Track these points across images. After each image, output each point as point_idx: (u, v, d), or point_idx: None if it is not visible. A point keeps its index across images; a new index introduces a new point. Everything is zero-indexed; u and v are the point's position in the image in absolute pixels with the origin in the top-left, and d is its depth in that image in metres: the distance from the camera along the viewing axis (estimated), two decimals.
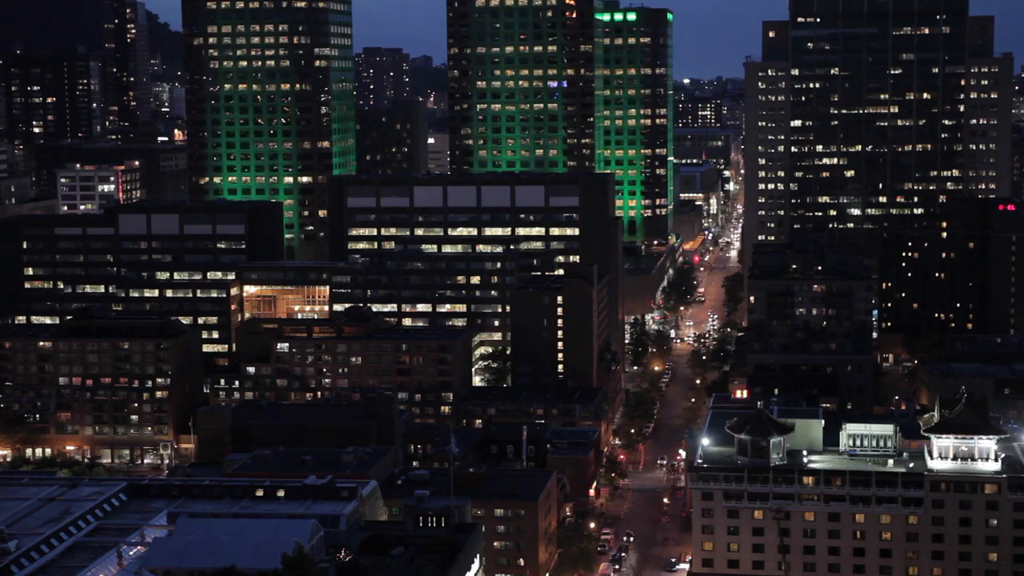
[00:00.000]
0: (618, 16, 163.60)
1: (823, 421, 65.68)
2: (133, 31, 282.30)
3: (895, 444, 63.87)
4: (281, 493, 58.78)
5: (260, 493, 59.11)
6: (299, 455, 67.58)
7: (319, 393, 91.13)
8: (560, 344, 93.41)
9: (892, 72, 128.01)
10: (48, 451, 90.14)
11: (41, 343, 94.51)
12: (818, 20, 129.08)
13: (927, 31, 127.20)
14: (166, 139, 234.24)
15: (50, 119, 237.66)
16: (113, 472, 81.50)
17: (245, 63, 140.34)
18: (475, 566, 54.15)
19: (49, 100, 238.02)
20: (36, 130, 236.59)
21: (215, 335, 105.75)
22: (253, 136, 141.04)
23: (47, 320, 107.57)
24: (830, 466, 62.35)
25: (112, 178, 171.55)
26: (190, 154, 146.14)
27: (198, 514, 55.62)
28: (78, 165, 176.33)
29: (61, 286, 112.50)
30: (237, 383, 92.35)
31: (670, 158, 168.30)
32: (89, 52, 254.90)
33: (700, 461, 63.58)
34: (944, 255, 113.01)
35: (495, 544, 62.88)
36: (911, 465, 62.56)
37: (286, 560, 48.53)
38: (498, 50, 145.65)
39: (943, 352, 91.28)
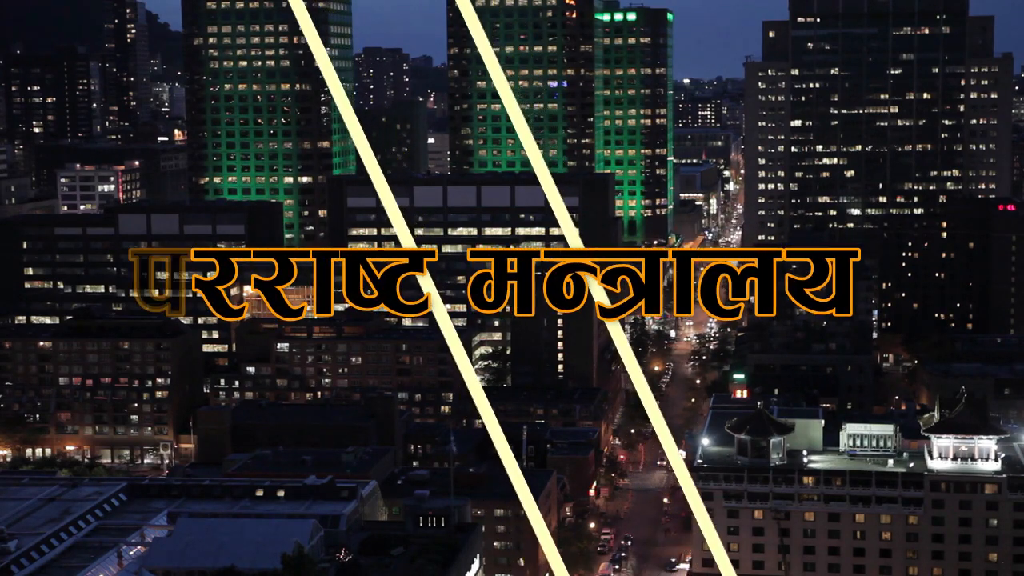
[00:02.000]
0: (618, 16, 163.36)
1: (823, 421, 65.68)
2: (133, 31, 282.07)
3: (895, 444, 63.84)
4: (281, 493, 58.88)
5: (260, 493, 59.23)
6: (299, 455, 67.66)
7: (319, 393, 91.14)
8: (560, 344, 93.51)
9: (892, 72, 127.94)
10: (48, 451, 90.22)
11: (41, 343, 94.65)
12: (818, 20, 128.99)
13: (927, 31, 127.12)
14: (166, 139, 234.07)
15: (50, 119, 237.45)
16: (113, 472, 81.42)
17: (245, 63, 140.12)
18: (475, 566, 54.20)
19: (49, 100, 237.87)
20: (36, 130, 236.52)
21: (215, 335, 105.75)
22: (253, 136, 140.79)
23: (47, 320, 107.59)
24: (830, 466, 62.40)
25: (112, 178, 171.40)
26: (190, 154, 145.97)
27: (198, 514, 55.73)
28: (78, 165, 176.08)
29: (61, 286, 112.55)
30: (237, 383, 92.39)
31: (670, 158, 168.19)
32: (89, 52, 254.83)
33: (700, 461, 63.61)
34: (944, 255, 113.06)
35: (495, 544, 62.92)
36: (911, 465, 62.60)
37: (286, 560, 48.56)
38: (498, 50, 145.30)
39: (943, 352, 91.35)
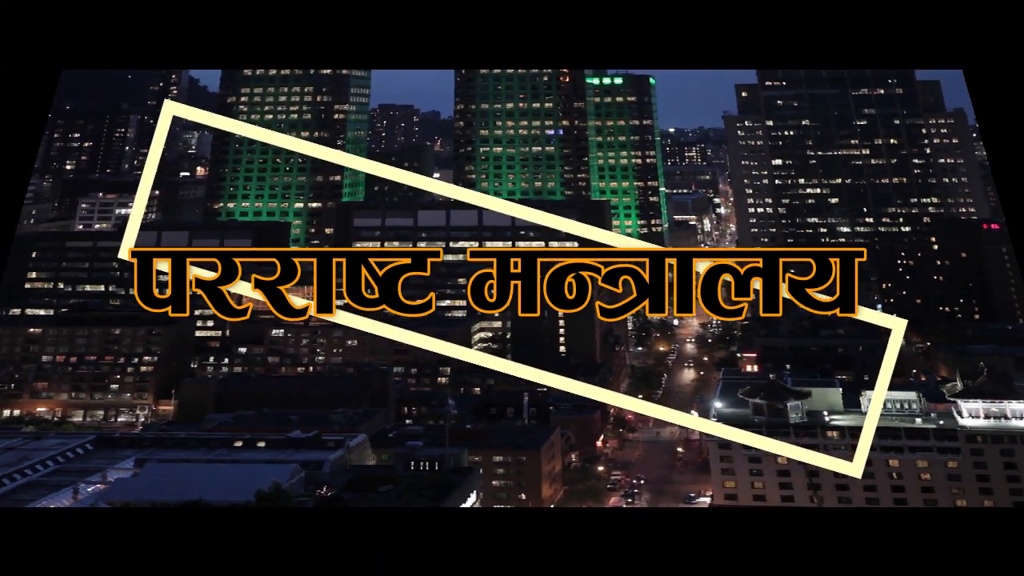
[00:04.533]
0: (606, 80, 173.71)
1: (840, 389, 58.72)
2: (175, 91, 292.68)
3: (920, 407, 56.36)
4: (262, 444, 50.47)
5: (239, 444, 50.74)
6: (285, 415, 59.03)
7: (311, 368, 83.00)
8: (561, 332, 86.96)
9: (858, 123, 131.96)
10: (16, 412, 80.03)
11: (32, 329, 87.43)
12: (784, 84, 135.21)
13: (882, 92, 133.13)
14: (188, 174, 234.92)
15: (83, 159, 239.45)
16: (83, 429, 71.33)
17: (271, 116, 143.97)
18: (471, 500, 45.12)
19: (86, 144, 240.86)
20: (68, 167, 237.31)
21: (210, 323, 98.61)
22: (270, 171, 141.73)
23: (41, 312, 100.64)
24: (855, 423, 55.06)
25: (130, 204, 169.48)
26: (208, 184, 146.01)
27: (168, 460, 47.16)
28: (100, 194, 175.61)
29: (62, 286, 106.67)
30: (227, 359, 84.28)
31: (662, 189, 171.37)
32: (131, 107, 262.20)
33: (715, 418, 55.99)
34: (939, 262, 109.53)
35: (494, 483, 53.33)
36: (941, 423, 54.97)
37: (261, 496, 40.08)
38: (500, 106, 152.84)
39: (955, 337, 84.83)
